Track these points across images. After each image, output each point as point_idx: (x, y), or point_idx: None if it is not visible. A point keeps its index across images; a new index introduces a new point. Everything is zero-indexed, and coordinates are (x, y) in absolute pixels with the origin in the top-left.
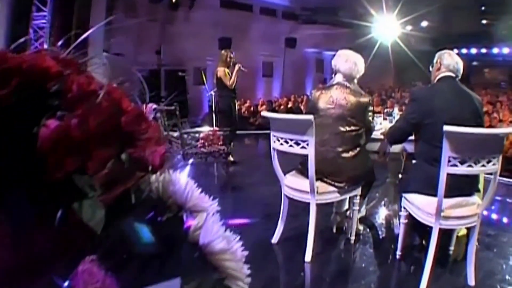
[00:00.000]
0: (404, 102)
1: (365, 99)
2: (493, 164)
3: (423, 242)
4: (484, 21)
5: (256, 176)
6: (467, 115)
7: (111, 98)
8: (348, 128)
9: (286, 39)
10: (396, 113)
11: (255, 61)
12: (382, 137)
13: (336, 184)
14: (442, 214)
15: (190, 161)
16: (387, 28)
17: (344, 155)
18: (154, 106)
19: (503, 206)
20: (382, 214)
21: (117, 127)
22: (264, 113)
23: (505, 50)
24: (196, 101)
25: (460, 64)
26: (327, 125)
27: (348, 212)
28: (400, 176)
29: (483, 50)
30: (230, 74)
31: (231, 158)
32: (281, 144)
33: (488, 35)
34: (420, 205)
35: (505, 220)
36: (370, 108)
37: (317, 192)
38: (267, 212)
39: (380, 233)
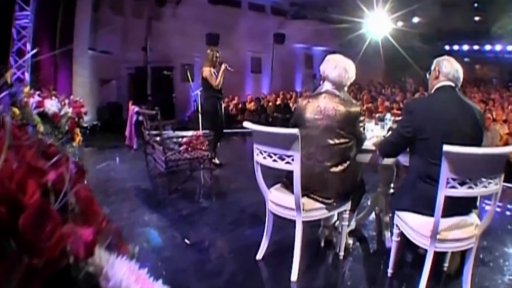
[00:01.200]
0: (395, 99)
1: (355, 109)
2: (495, 184)
3: (416, 258)
4: (476, 18)
5: (241, 180)
6: (467, 129)
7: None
8: (337, 141)
9: (275, 35)
10: (389, 119)
11: (243, 57)
12: (373, 148)
13: (323, 200)
14: (438, 236)
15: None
16: (377, 24)
17: (333, 169)
18: (136, 109)
19: (498, 214)
20: (372, 225)
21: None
22: (246, 124)
23: (498, 47)
24: (184, 99)
25: (460, 72)
26: (314, 137)
27: (337, 224)
28: (392, 186)
29: (475, 47)
30: (216, 74)
31: (216, 161)
32: (264, 158)
33: (481, 32)
34: (414, 226)
35: (499, 232)
36: (361, 118)
37: (303, 209)
38: (251, 222)
39: (370, 246)
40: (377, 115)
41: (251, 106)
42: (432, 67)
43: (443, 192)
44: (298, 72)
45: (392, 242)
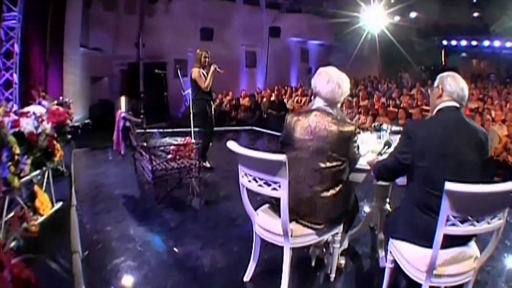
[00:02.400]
0: (391, 95)
1: (349, 128)
2: (499, 219)
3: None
4: (475, 14)
5: (232, 186)
6: (471, 157)
7: None
8: (328, 164)
9: (270, 28)
10: (386, 129)
11: (237, 52)
12: (368, 167)
13: (313, 226)
14: (434, 272)
15: None
16: (374, 19)
17: (324, 194)
18: (123, 114)
19: None
20: (366, 242)
21: None
22: (230, 145)
23: (496, 43)
24: (178, 95)
25: (465, 90)
26: (303, 159)
27: (329, 240)
28: (388, 201)
29: (473, 43)
30: (205, 75)
31: (207, 164)
32: (250, 181)
33: (479, 28)
34: (409, 258)
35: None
36: (356, 138)
37: (291, 235)
38: (241, 237)
39: (364, 264)
40: (373, 124)
41: (245, 102)
42: (435, 84)
43: (442, 230)
44: (294, 66)
45: (386, 261)
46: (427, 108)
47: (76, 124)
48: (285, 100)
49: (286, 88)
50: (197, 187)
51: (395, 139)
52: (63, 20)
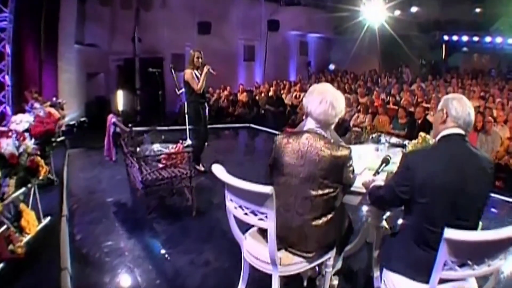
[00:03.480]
0: (391, 91)
1: (343, 153)
2: (500, 259)
3: None
4: (477, 10)
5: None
6: (475, 190)
7: None
8: (320, 192)
9: (269, 22)
10: (384, 142)
11: (236, 45)
12: (363, 190)
13: (303, 254)
14: None
15: None
16: (374, 12)
17: (314, 223)
18: (114, 119)
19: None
20: (362, 258)
21: None
22: (216, 171)
23: (498, 40)
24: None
25: (472, 115)
26: (293, 186)
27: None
28: (384, 218)
29: (475, 38)
30: (198, 76)
31: (201, 168)
32: (236, 208)
33: (481, 24)
34: None
35: None
36: (351, 162)
37: (280, 264)
38: (230, 251)
39: (357, 285)
40: (371, 136)
41: (243, 97)
42: (439, 107)
43: (438, 274)
44: (292, 60)
45: (380, 282)
46: (428, 105)
47: (72, 122)
48: (284, 96)
49: (284, 82)
50: (189, 196)
51: (394, 153)
52: (57, 17)
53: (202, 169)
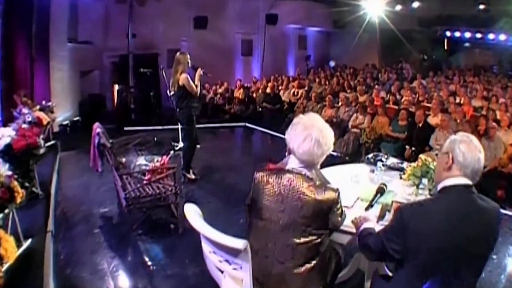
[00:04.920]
0: (391, 88)
1: (329, 196)
2: None
3: None
4: (481, 6)
5: (214, 203)
6: (479, 250)
7: None
8: (303, 240)
9: (267, 15)
10: (380, 165)
11: (233, 40)
12: (352, 230)
13: None
14: None
15: None
16: (374, 7)
17: (296, 270)
18: (98, 129)
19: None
20: (353, 285)
21: None
22: (188, 214)
23: (502, 37)
24: None
25: (482, 161)
26: (272, 232)
27: None
28: None
29: (478, 35)
30: (193, 80)
31: (191, 176)
32: (211, 253)
33: (484, 20)
34: None
35: None
36: (338, 206)
37: None
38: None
39: None
40: (367, 157)
41: (239, 94)
42: (444, 149)
43: None
44: (291, 54)
45: None
46: (429, 105)
47: (65, 122)
48: (281, 92)
49: (282, 78)
50: (175, 213)
51: (391, 176)
52: (49, 16)
53: (193, 177)
